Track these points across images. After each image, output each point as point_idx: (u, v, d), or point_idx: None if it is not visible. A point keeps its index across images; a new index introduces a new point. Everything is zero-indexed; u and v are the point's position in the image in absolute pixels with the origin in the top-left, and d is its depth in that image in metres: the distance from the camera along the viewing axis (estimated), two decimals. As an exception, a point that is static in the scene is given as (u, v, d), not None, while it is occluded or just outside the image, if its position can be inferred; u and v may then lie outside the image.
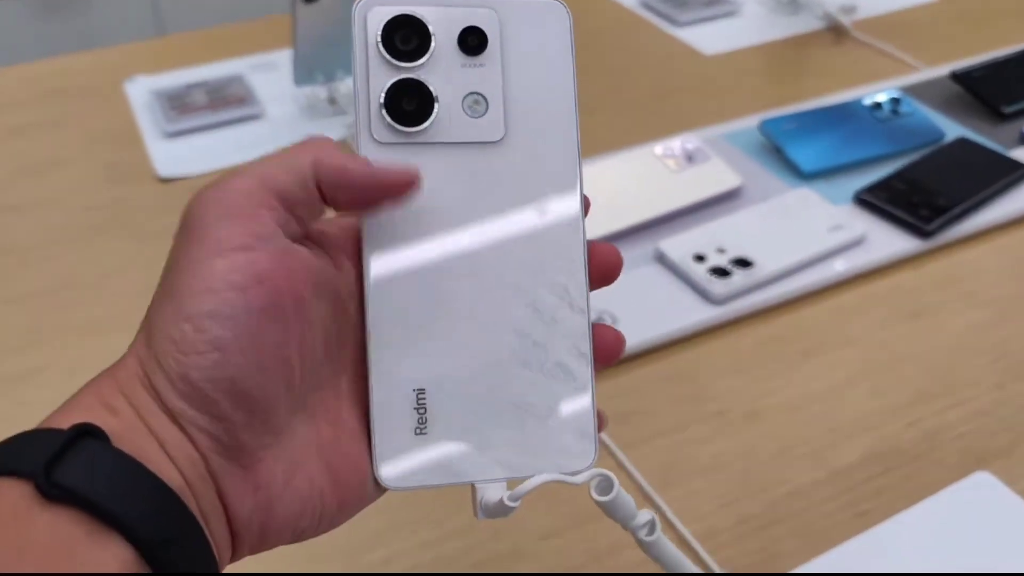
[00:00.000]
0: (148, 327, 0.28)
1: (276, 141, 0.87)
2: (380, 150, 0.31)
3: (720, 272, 0.68)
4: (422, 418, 0.32)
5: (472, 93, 0.32)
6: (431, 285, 0.32)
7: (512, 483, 0.32)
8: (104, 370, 0.29)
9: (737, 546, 0.51)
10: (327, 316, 0.30)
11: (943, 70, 0.94)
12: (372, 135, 0.31)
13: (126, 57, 1.03)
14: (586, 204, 0.33)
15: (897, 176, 0.78)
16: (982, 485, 0.54)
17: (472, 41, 0.32)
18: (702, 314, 0.66)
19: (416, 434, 0.31)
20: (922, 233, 0.73)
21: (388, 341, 0.32)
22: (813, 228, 0.72)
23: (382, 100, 0.31)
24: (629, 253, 0.72)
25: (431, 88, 0.32)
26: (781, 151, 0.82)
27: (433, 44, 0.32)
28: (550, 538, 0.52)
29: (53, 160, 0.86)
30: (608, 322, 0.65)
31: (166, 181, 0.82)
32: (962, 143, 0.83)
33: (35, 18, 1.79)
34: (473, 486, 0.32)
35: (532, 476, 0.32)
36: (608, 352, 0.33)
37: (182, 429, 0.27)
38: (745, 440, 0.58)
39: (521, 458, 0.32)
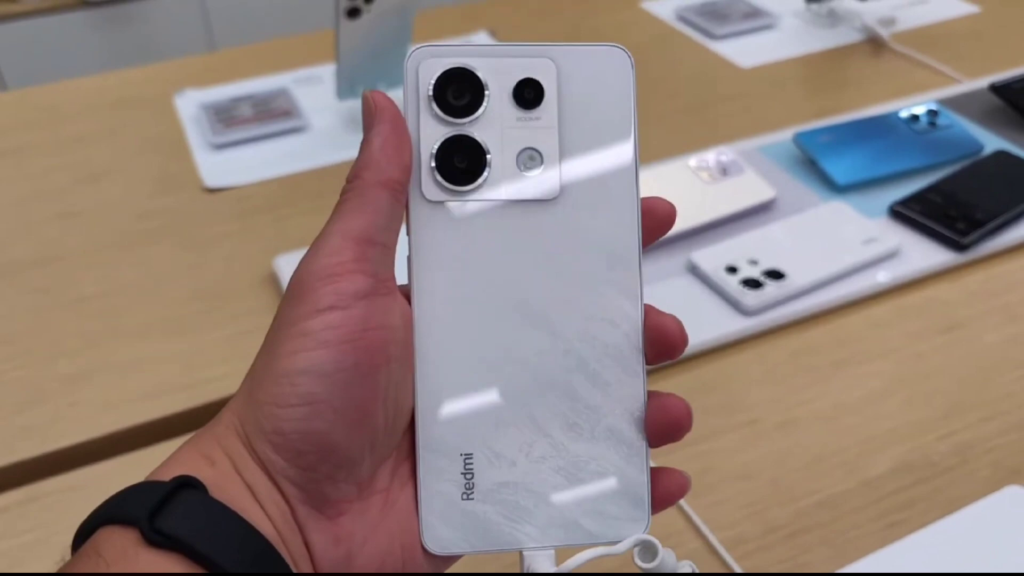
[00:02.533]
0: (249, 383, 0.30)
1: (319, 153, 0.89)
2: (430, 209, 0.31)
3: (752, 283, 0.68)
4: (469, 483, 0.31)
5: (527, 148, 0.31)
6: (481, 347, 0.31)
7: (560, 550, 0.32)
8: (206, 425, 0.31)
9: (765, 554, 0.52)
10: (407, 367, 0.31)
11: (982, 82, 0.94)
12: (422, 192, 0.31)
13: (178, 71, 1.06)
14: (667, 212, 0.33)
15: (933, 189, 0.79)
16: (1014, 499, 0.54)
17: (528, 94, 0.31)
18: (734, 325, 0.67)
19: (463, 499, 0.31)
20: (958, 246, 0.73)
21: (436, 404, 0.31)
22: (846, 241, 0.73)
23: (434, 158, 0.31)
24: (662, 264, 0.73)
25: (484, 145, 0.31)
26: (815, 163, 0.82)
27: (487, 98, 0.31)
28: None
29: (107, 169, 0.89)
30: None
31: (213, 191, 0.85)
32: (1001, 156, 0.83)
33: (95, 31, 1.85)
34: (520, 553, 0.32)
35: (580, 543, 0.31)
36: (671, 344, 0.32)
37: (272, 479, 0.29)
38: (776, 450, 0.58)
39: (571, 525, 0.31)
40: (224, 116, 0.93)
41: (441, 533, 0.31)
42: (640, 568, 0.32)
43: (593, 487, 0.31)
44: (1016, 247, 0.75)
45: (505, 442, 0.31)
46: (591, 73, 0.31)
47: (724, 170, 0.79)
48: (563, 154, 0.31)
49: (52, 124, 0.97)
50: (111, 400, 0.63)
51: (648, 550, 0.32)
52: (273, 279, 0.72)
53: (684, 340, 0.32)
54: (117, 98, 1.01)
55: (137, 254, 0.78)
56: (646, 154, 0.85)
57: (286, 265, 0.71)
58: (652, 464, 0.33)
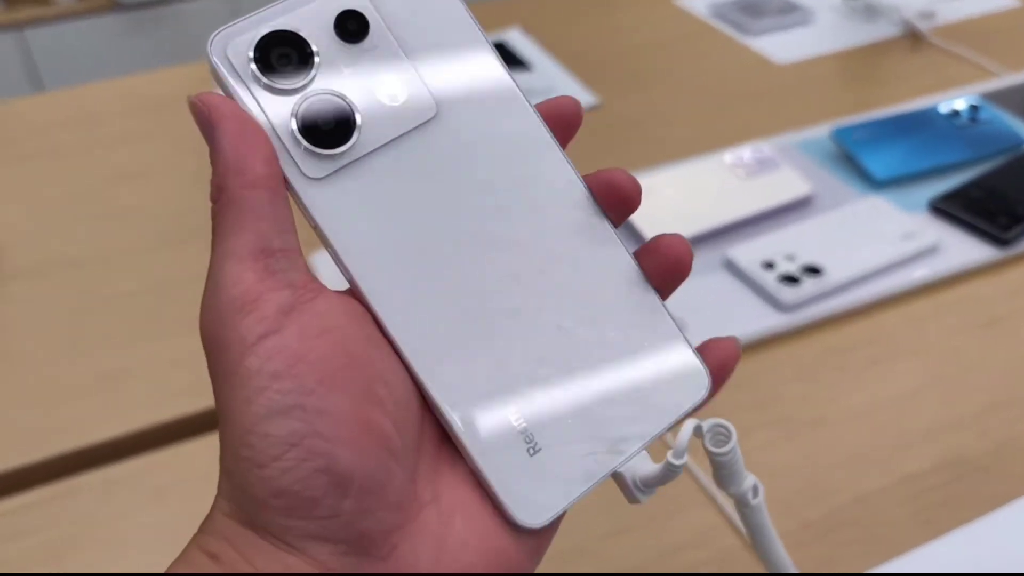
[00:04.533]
0: (223, 463, 0.26)
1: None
2: (320, 187, 0.27)
3: (789, 279, 0.68)
4: (528, 436, 0.28)
5: (382, 79, 0.28)
6: (453, 294, 0.28)
7: (650, 449, 0.30)
8: (205, 516, 0.27)
9: (799, 551, 0.51)
10: (386, 358, 0.27)
11: (1024, 76, 0.93)
12: (304, 174, 0.27)
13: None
14: (571, 109, 0.30)
15: (974, 184, 0.77)
16: (1056, 497, 0.53)
17: (352, 27, 0.28)
18: (771, 321, 0.66)
19: (531, 455, 0.28)
20: (999, 241, 0.72)
21: (444, 377, 0.28)
22: (884, 236, 0.72)
23: (296, 133, 0.27)
24: (698, 260, 0.71)
25: (340, 95, 0.28)
26: (853, 159, 0.81)
27: (315, 50, 0.28)
28: (612, 536, 0.53)
29: (144, 169, 0.90)
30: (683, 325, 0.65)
31: (249, 189, 0.86)
32: (1043, 150, 0.82)
33: (127, 34, 1.88)
34: (617, 476, 0.29)
35: (663, 429, 0.29)
36: (624, 194, 0.30)
37: (293, 550, 0.25)
38: (811, 446, 0.58)
39: (645, 420, 0.29)
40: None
41: (531, 502, 0.27)
42: (713, 454, 0.30)
43: (639, 367, 0.29)
44: (1059, 242, 0.73)
45: (533, 371, 0.28)
46: None
47: (759, 166, 0.78)
48: (419, 68, 0.29)
49: (88, 125, 0.98)
50: (149, 396, 0.64)
51: (720, 433, 0.30)
52: (308, 276, 0.72)
53: (637, 188, 0.30)
54: (153, 98, 1.03)
55: (173, 253, 0.79)
56: (680, 151, 0.86)
57: (322, 265, 0.71)
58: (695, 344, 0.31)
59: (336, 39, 0.28)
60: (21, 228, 0.82)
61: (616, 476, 0.29)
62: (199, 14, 1.91)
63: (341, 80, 0.28)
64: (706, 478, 0.55)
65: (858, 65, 1.04)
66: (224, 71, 0.27)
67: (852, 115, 0.89)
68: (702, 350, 0.30)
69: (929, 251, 0.71)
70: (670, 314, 0.30)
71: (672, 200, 0.75)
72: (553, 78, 1.00)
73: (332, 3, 0.28)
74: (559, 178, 0.30)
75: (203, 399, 0.63)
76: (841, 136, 0.83)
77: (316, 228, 0.28)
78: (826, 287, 0.67)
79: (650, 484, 0.29)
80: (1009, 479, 0.55)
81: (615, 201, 0.30)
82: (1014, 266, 0.72)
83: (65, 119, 1.00)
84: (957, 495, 0.54)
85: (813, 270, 0.68)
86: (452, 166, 0.29)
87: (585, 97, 0.97)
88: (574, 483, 0.28)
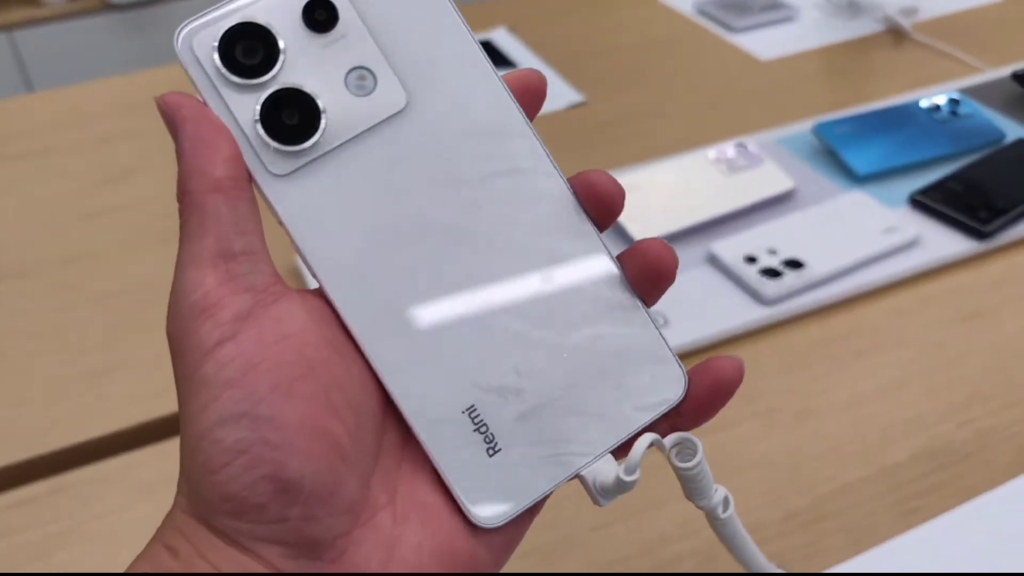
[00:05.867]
0: (181, 463, 0.26)
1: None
2: (286, 184, 0.27)
3: (771, 273, 0.68)
4: (488, 436, 0.27)
5: (350, 71, 0.27)
6: (420, 292, 0.27)
7: (621, 451, 0.29)
8: (166, 515, 0.28)
9: (783, 541, 0.52)
10: (348, 362, 0.27)
11: (1005, 71, 0.93)
12: (269, 171, 0.27)
13: (199, 71, 1.08)
14: (535, 83, 0.29)
15: (954, 177, 0.78)
16: (1035, 485, 0.54)
17: (320, 16, 0.27)
18: (753, 314, 0.67)
19: (491, 455, 0.27)
20: (979, 234, 0.72)
21: (405, 376, 0.27)
22: (866, 230, 0.72)
23: (259, 128, 0.26)
24: (682, 255, 0.72)
25: (304, 89, 0.27)
26: (835, 154, 0.82)
27: (281, 42, 0.27)
28: (600, 529, 0.53)
29: (132, 169, 0.90)
30: (661, 323, 0.66)
31: (236, 188, 0.86)
32: (1022, 144, 0.82)
33: (118, 35, 1.87)
34: (580, 478, 0.28)
35: (630, 434, 0.28)
36: (606, 195, 0.29)
37: (245, 550, 0.25)
38: (795, 438, 0.58)
39: (612, 419, 0.28)
40: (246, 115, 0.94)
41: (489, 501, 0.27)
42: (678, 469, 0.29)
43: (610, 367, 0.28)
44: (1039, 235, 0.74)
45: (498, 372, 0.28)
46: None
47: (743, 161, 0.79)
48: (389, 58, 0.27)
49: (78, 125, 0.98)
50: (137, 393, 0.64)
51: (686, 447, 0.29)
52: (295, 275, 0.73)
53: (619, 192, 0.29)
54: (142, 99, 1.03)
55: (161, 252, 0.79)
56: (666, 148, 0.86)
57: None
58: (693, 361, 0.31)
59: (304, 28, 0.27)
60: (10, 228, 0.82)
61: (580, 478, 0.29)
62: (191, 14, 1.90)
63: (307, 73, 0.27)
64: (691, 470, 0.56)
65: (841, 61, 1.04)
66: (190, 66, 0.27)
67: (835, 110, 0.90)
68: (703, 366, 0.29)
69: (910, 244, 0.72)
70: (648, 313, 0.29)
71: (656, 196, 0.76)
72: (539, 76, 1.00)
73: None
74: (539, 174, 0.29)
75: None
76: (823, 131, 0.84)
77: (282, 225, 0.27)
78: (808, 281, 0.68)
79: (606, 494, 0.28)
80: (990, 468, 0.55)
81: (597, 204, 0.29)
82: (994, 259, 0.72)
83: (55, 119, 1.00)
84: (940, 484, 0.55)
85: (795, 264, 0.69)
86: (422, 161, 0.27)
87: (571, 95, 0.97)
88: (534, 484, 0.28)
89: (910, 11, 1.09)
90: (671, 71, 1.03)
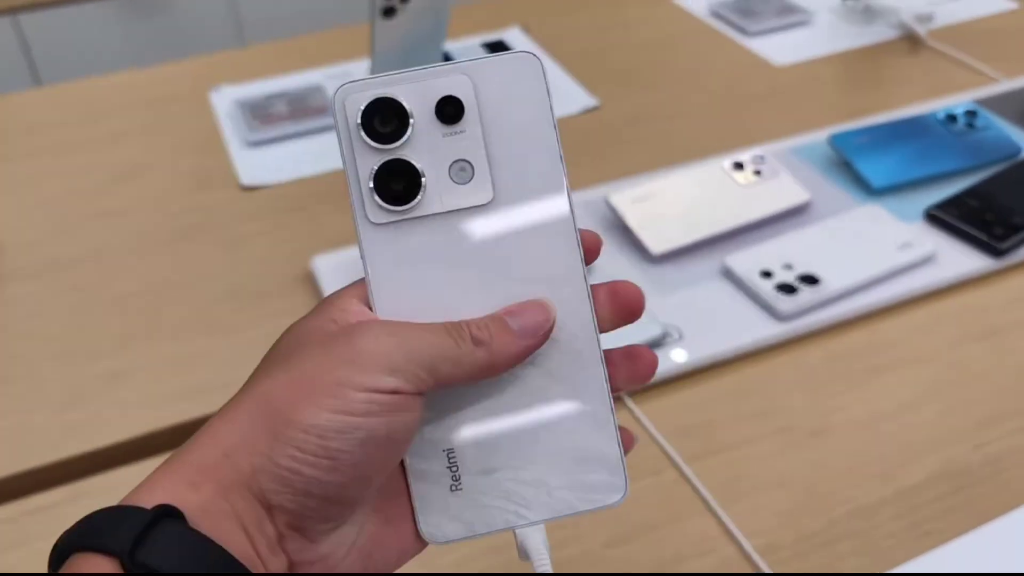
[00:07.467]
0: (268, 409, 0.30)
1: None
2: (376, 231, 0.33)
3: (787, 289, 0.68)
4: (455, 475, 0.34)
5: (457, 161, 0.33)
6: None
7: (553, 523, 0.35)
8: (180, 448, 0.31)
9: (798, 562, 0.52)
10: None
11: (1022, 82, 0.93)
12: (367, 217, 0.33)
13: (210, 67, 1.07)
14: (595, 243, 0.35)
15: (970, 192, 0.78)
16: (1050, 509, 0.54)
17: (449, 111, 0.33)
18: (768, 330, 0.67)
19: (452, 491, 0.34)
20: (995, 251, 0.72)
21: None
22: (881, 245, 0.72)
23: (371, 184, 0.33)
24: (696, 267, 0.73)
25: (415, 165, 0.33)
26: (851, 166, 0.82)
27: (412, 121, 0.33)
28: (616, 546, 0.53)
29: (144, 166, 0.90)
30: (675, 337, 0.66)
31: (249, 189, 0.86)
32: (1039, 159, 0.82)
33: (123, 21, 1.86)
34: (514, 531, 0.35)
35: (565, 515, 0.34)
36: (640, 374, 0.35)
37: (266, 507, 0.30)
38: (810, 457, 0.58)
39: (554, 499, 0.34)
40: (259, 113, 0.94)
41: (437, 526, 0.34)
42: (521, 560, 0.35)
43: (573, 461, 0.34)
44: (1054, 252, 0.74)
45: (481, 434, 0.34)
46: (505, 80, 0.33)
47: (758, 172, 0.79)
48: (491, 158, 0.33)
49: (88, 121, 0.98)
50: (150, 399, 0.64)
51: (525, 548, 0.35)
52: (308, 278, 0.72)
53: (640, 299, 0.34)
54: (152, 94, 1.02)
55: (173, 252, 0.79)
56: (679, 152, 0.86)
57: (324, 265, 0.71)
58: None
59: (434, 116, 0.33)
60: (20, 228, 0.82)
61: (513, 532, 0.35)
62: (199, 1, 1.90)
63: (423, 152, 0.33)
64: (705, 489, 0.56)
65: (856, 68, 1.04)
66: (337, 117, 0.33)
67: (850, 119, 0.90)
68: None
69: (926, 260, 0.72)
70: (615, 424, 0.34)
71: (671, 206, 0.75)
72: (552, 79, 1.00)
73: (442, 83, 0.33)
74: (573, 292, 0.34)
75: (201, 405, 0.63)
76: (839, 142, 0.84)
77: (362, 259, 0.33)
78: (823, 296, 0.68)
79: (525, 556, 0.35)
80: (1006, 491, 0.56)
81: (620, 311, 0.34)
82: (1010, 276, 0.72)
83: (64, 115, 1.00)
84: (956, 507, 0.55)
85: (810, 279, 0.69)
86: (487, 249, 0.33)
87: (585, 99, 0.97)
88: (475, 525, 0.34)
89: (925, 18, 1.08)
90: (685, 74, 1.03)
